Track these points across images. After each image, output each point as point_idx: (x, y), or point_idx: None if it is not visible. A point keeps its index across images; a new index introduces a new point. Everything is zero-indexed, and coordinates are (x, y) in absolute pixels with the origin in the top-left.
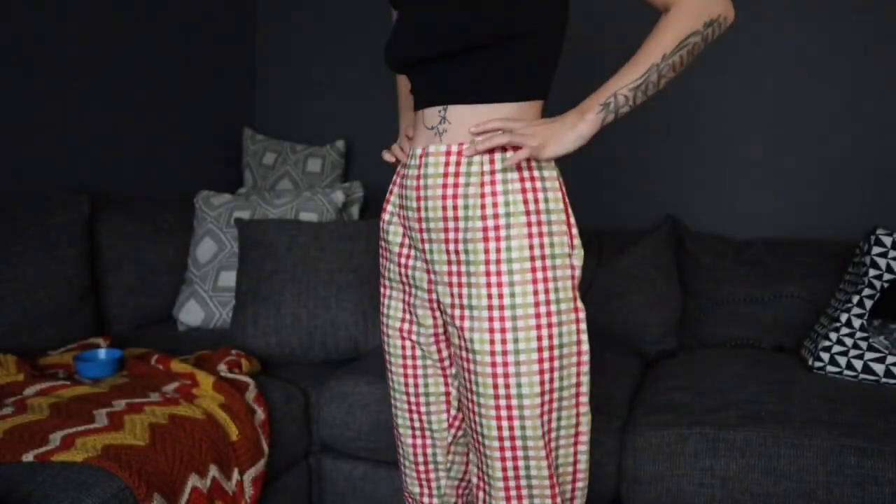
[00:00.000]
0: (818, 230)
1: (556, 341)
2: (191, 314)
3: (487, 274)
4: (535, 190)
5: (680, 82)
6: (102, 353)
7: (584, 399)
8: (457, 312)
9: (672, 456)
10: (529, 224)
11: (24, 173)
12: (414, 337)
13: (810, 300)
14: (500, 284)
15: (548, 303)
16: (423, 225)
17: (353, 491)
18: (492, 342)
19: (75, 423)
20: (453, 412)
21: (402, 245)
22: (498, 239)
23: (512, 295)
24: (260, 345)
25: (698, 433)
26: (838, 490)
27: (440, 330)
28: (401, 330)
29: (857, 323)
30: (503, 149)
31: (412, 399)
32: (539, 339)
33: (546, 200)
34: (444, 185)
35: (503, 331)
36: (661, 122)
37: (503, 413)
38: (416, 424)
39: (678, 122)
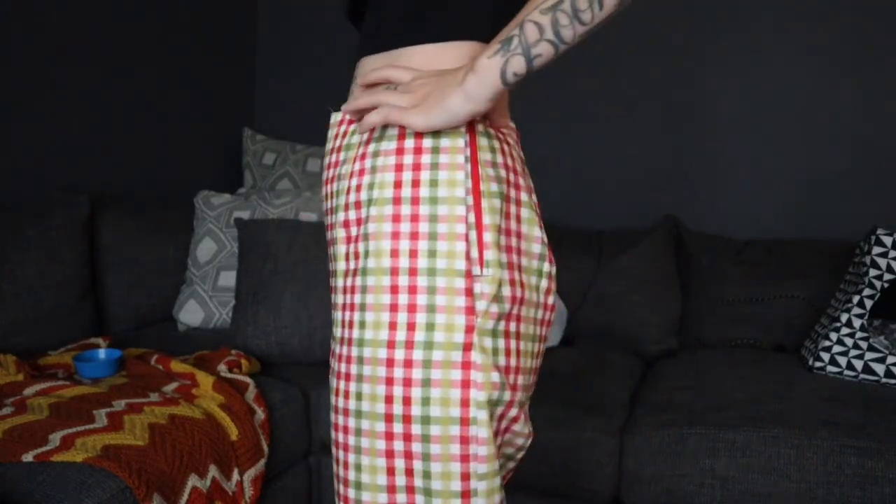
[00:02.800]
0: (818, 230)
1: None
2: (191, 314)
3: (345, 291)
4: (417, 167)
5: (681, 82)
6: (102, 353)
7: None
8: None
9: (672, 456)
10: (397, 218)
11: (24, 173)
12: None
13: (810, 300)
14: (352, 307)
15: (418, 345)
16: None
17: None
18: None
19: (75, 423)
20: None
21: None
22: (350, 240)
23: (362, 325)
24: (260, 345)
25: (698, 433)
26: (838, 490)
27: None
28: None
29: (857, 323)
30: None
31: None
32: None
33: (434, 184)
34: (328, 165)
35: (347, 394)
36: (661, 122)
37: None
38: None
39: (678, 122)
